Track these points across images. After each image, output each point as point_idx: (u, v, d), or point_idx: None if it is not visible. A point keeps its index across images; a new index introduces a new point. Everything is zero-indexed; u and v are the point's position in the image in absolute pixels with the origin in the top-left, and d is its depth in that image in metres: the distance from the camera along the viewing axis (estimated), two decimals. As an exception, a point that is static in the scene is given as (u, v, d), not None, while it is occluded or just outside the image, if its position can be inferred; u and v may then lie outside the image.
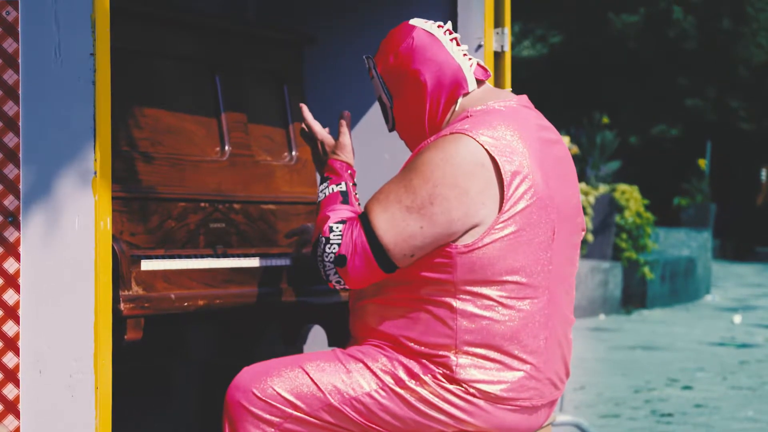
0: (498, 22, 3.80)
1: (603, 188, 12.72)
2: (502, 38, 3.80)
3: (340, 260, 2.89)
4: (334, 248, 2.89)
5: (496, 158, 2.83)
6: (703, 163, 16.32)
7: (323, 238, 2.92)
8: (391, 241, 2.85)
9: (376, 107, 4.10)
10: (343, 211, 2.98)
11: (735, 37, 20.90)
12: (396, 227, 2.84)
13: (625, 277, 12.72)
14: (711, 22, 20.92)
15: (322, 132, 3.20)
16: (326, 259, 2.91)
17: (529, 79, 19.27)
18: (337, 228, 2.91)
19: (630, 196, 12.68)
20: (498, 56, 3.80)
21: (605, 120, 14.42)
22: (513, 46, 19.92)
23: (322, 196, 3.05)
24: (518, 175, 2.84)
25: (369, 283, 2.93)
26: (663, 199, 17.23)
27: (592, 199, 12.25)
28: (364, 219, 2.89)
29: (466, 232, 2.84)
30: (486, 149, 2.83)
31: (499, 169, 2.83)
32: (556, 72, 20.87)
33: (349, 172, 3.10)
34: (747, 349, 9.76)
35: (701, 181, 16.23)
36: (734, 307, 13.44)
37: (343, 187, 3.05)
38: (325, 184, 3.07)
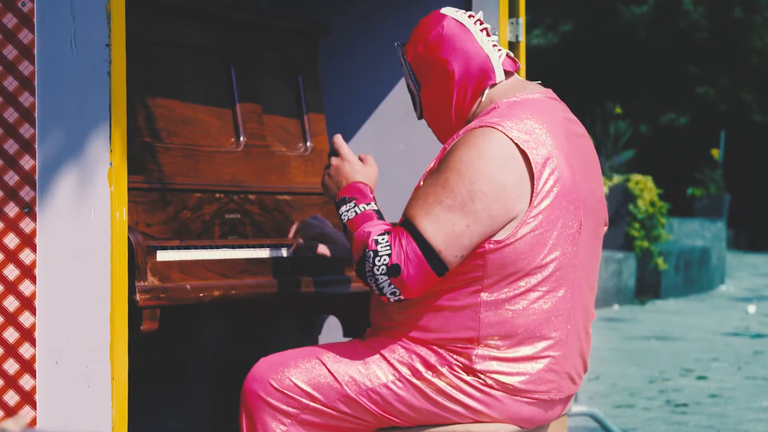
0: (513, 13, 3.79)
1: (617, 178, 12.70)
2: (517, 28, 3.79)
3: (393, 270, 2.79)
4: (384, 259, 2.80)
5: (527, 151, 2.81)
6: (716, 153, 16.28)
7: (370, 252, 2.82)
8: (441, 244, 2.79)
9: (390, 97, 4.10)
10: (381, 225, 2.89)
11: (747, 26, 20.83)
12: (443, 229, 2.79)
13: (639, 267, 12.70)
14: (722, 11, 20.84)
15: (350, 154, 3.11)
16: (377, 272, 2.81)
17: (540, 67, 19.24)
18: (383, 239, 2.82)
19: (644, 186, 12.66)
20: (512, 46, 3.79)
21: (618, 110, 14.39)
22: (525, 35, 19.86)
23: (350, 215, 2.95)
24: (547, 168, 2.83)
25: (424, 291, 2.85)
26: (676, 189, 17.20)
27: (606, 189, 12.24)
28: (408, 225, 2.81)
29: (504, 226, 2.82)
30: (516, 143, 2.81)
31: (530, 162, 2.81)
32: (566, 61, 20.83)
33: (372, 195, 3.03)
34: (761, 339, 9.74)
35: (714, 171, 16.19)
36: (748, 297, 13.42)
37: (374, 206, 2.97)
38: (350, 205, 2.97)
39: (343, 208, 2.98)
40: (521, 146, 2.81)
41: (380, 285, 2.81)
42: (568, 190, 2.86)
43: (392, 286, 2.80)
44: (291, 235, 3.47)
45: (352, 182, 3.04)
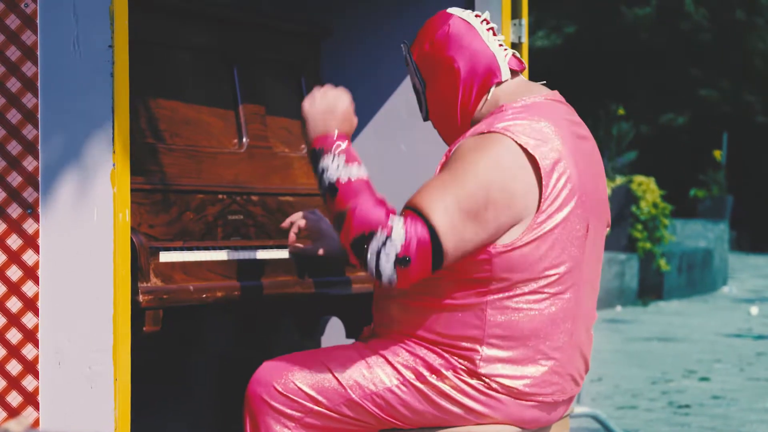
0: (515, 14, 3.79)
1: (620, 180, 12.71)
2: (520, 30, 3.80)
3: (403, 261, 2.73)
4: (397, 247, 2.73)
5: (536, 157, 2.81)
6: (719, 154, 16.28)
7: (383, 234, 2.74)
8: (451, 247, 2.75)
9: (392, 99, 4.09)
10: (385, 203, 2.80)
11: (749, 27, 20.82)
12: (456, 232, 2.75)
13: (642, 269, 12.70)
14: (724, 13, 20.84)
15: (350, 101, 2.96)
16: (385, 257, 2.73)
17: (543, 69, 19.23)
18: (399, 225, 2.74)
19: (647, 187, 12.66)
20: (515, 48, 3.80)
21: (621, 111, 14.39)
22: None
23: (341, 175, 2.82)
24: (556, 172, 2.83)
25: (415, 283, 2.81)
26: (679, 190, 17.20)
27: (609, 190, 12.23)
28: (425, 219, 2.75)
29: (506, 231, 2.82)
30: (525, 149, 2.81)
31: (539, 168, 2.81)
32: (569, 62, 20.83)
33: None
34: (764, 340, 9.74)
35: (717, 173, 16.20)
36: (751, 298, 13.42)
37: (365, 171, 2.86)
38: (339, 161, 2.83)
39: (329, 162, 2.84)
40: (530, 151, 2.81)
41: (381, 269, 2.74)
42: (577, 193, 2.86)
43: (395, 274, 2.74)
44: (286, 224, 3.43)
45: (341, 131, 2.90)
